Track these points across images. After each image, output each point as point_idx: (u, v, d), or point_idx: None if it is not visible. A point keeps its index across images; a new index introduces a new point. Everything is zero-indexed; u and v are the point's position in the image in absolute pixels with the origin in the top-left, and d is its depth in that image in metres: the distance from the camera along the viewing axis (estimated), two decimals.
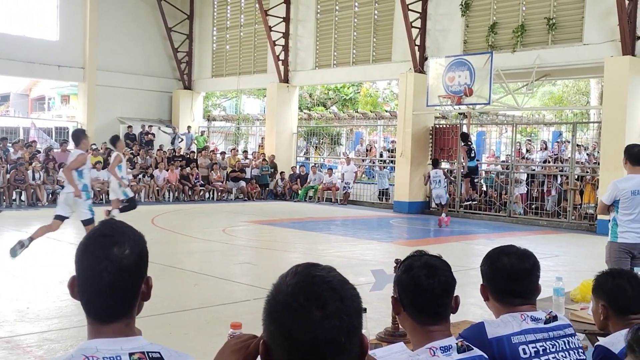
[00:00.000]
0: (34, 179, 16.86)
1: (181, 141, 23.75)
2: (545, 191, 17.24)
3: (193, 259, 10.06)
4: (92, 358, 1.40)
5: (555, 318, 2.28)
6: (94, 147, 20.16)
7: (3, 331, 5.36)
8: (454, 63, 16.65)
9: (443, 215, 15.10)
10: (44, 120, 33.43)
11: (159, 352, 1.49)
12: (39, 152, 18.67)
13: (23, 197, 16.76)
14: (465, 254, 10.62)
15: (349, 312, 1.21)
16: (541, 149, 19.29)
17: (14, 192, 16.62)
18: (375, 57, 20.12)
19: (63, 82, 30.39)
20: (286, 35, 22.17)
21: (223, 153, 23.18)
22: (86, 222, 8.62)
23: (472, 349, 1.92)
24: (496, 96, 18.26)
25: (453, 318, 3.39)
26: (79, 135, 8.85)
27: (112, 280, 1.46)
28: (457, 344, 1.89)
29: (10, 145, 18.78)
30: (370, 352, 2.51)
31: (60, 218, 8.67)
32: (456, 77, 16.49)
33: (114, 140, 11.35)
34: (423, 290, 1.91)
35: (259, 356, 1.31)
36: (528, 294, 2.33)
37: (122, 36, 23.63)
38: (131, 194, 11.63)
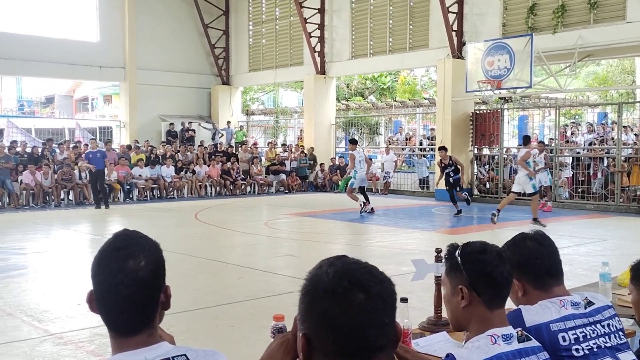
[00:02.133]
0: (80, 178, 17.27)
1: (221, 136, 24.00)
2: (591, 174, 16.83)
3: (236, 253, 10.17)
4: None
5: (591, 302, 2.23)
6: (136, 144, 20.56)
7: (56, 327, 5.53)
8: (492, 47, 16.36)
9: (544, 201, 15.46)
10: (88, 121, 34.21)
11: (184, 355, 1.47)
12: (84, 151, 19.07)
13: (71, 197, 17.19)
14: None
15: (389, 294, 1.28)
16: (588, 131, 18.82)
17: (62, 192, 17.06)
18: (412, 45, 19.93)
19: (105, 83, 31.04)
20: (321, 26, 22.14)
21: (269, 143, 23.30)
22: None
23: (531, 339, 1.90)
24: (537, 79, 17.88)
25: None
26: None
27: (129, 293, 1.44)
28: (517, 332, 1.88)
29: (56, 146, 19.27)
30: (413, 342, 2.51)
31: None
32: (495, 61, 16.21)
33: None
34: (496, 270, 1.91)
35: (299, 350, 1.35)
36: (560, 273, 2.30)
37: (160, 35, 23.97)
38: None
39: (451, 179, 14.55)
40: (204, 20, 24.88)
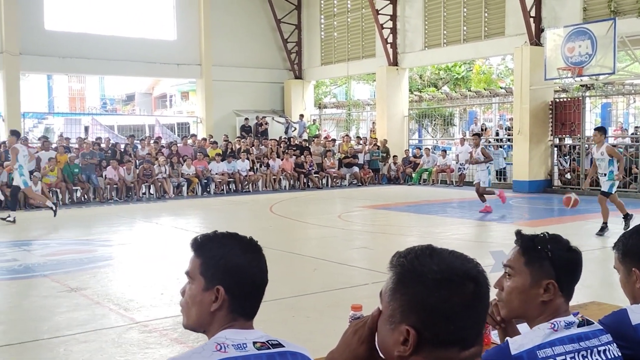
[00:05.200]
0: (160, 173, 17.88)
1: (294, 130, 24.24)
2: None
3: (311, 245, 10.27)
4: (222, 345, 1.57)
5: None
6: (212, 139, 21.06)
7: (141, 315, 5.76)
8: (573, 33, 15.75)
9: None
10: (167, 117, 35.34)
11: (277, 340, 1.64)
12: (163, 147, 19.75)
13: (152, 191, 17.82)
14: (590, 234, 10.08)
15: (488, 281, 1.33)
16: None
17: (143, 186, 17.71)
18: (487, 33, 19.45)
19: (182, 80, 31.91)
20: (393, 17, 21.94)
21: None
22: None
23: (592, 323, 1.88)
24: (621, 64, 17.08)
25: (580, 299, 3.24)
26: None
27: (263, 284, 1.70)
28: (578, 318, 1.87)
29: (138, 142, 20.00)
30: (492, 333, 2.46)
31: None
32: (576, 47, 15.60)
33: None
34: (579, 267, 1.94)
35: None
36: None
37: (234, 31, 24.42)
38: None
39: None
40: (276, 16, 25.16)
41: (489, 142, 21.80)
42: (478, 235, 10.52)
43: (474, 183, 13.83)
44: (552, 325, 1.82)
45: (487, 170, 13.42)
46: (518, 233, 1.99)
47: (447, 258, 1.30)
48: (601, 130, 10.67)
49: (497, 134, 22.00)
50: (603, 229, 9.96)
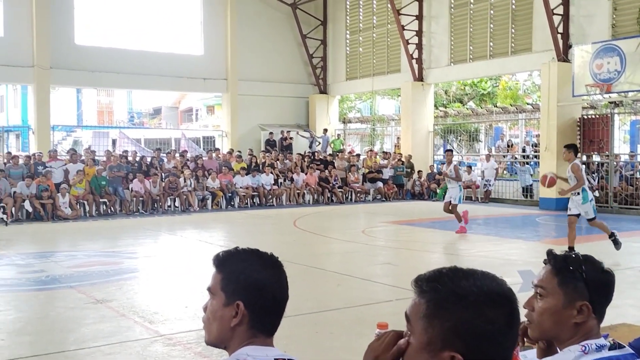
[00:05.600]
0: (185, 186, 18.02)
1: (318, 144, 24.30)
2: None
3: (334, 260, 10.24)
4: None
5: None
6: (237, 154, 21.20)
7: (165, 329, 5.78)
8: (601, 49, 15.60)
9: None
10: (192, 131, 35.67)
11: (293, 359, 1.65)
12: (189, 160, 19.93)
13: (177, 203, 17.96)
14: (621, 253, 9.89)
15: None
16: None
17: (168, 199, 17.86)
18: (514, 48, 19.35)
19: (208, 94, 32.23)
20: (419, 33, 21.96)
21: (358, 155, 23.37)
22: None
23: (624, 346, 1.84)
24: None
25: (609, 320, 3.18)
26: None
27: (283, 299, 1.69)
28: (609, 341, 1.83)
29: (164, 155, 20.21)
30: (521, 354, 2.42)
31: None
32: (605, 63, 15.45)
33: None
34: (613, 288, 1.91)
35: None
36: None
37: (260, 46, 24.65)
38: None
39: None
40: (302, 31, 25.35)
41: (515, 158, 21.61)
42: (504, 253, 10.39)
43: (444, 202, 13.16)
44: (583, 348, 1.78)
45: (458, 188, 12.83)
46: (550, 253, 1.95)
47: (481, 279, 1.28)
48: (570, 147, 10.03)
49: (524, 150, 21.80)
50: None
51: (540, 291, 1.92)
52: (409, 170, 21.91)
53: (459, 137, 26.23)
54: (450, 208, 12.82)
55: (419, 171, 21.81)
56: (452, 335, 1.23)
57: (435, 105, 24.74)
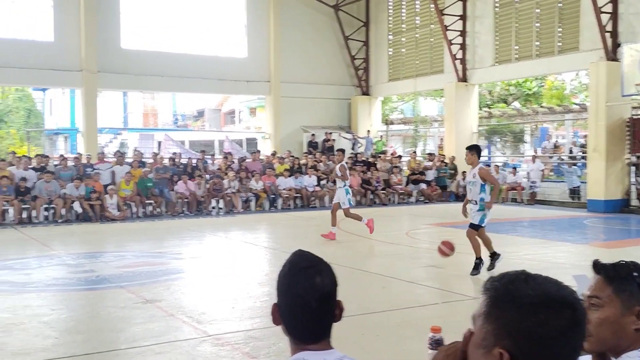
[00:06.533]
0: (229, 187, 18.22)
1: (360, 146, 24.26)
2: None
3: (378, 262, 10.21)
4: None
5: None
6: (279, 156, 21.32)
7: (213, 329, 5.86)
8: None
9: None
10: (235, 133, 36.05)
11: None
12: (233, 162, 20.13)
13: (221, 205, 18.16)
14: None
15: (585, 310, 1.33)
16: None
17: (213, 200, 18.08)
18: (561, 48, 18.95)
19: (251, 96, 32.51)
20: (463, 33, 21.72)
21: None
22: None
23: None
24: None
25: None
26: None
27: (317, 306, 1.62)
28: None
29: (209, 157, 20.45)
30: None
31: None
32: None
33: None
34: None
35: None
36: None
37: (303, 48, 24.75)
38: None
39: None
40: (344, 32, 25.35)
41: (562, 159, 21.16)
42: (551, 256, 10.19)
43: (333, 203, 12.77)
44: None
45: (345, 190, 12.31)
46: (597, 264, 1.93)
47: (543, 283, 1.29)
48: (473, 149, 8.76)
49: (571, 152, 21.33)
50: (477, 266, 8.56)
51: (595, 301, 1.89)
52: (452, 171, 21.69)
53: (504, 138, 25.84)
54: (345, 212, 12.30)
55: (463, 172, 21.55)
56: (503, 334, 1.25)
57: (479, 106, 24.44)
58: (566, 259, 9.83)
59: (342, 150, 13.16)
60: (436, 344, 2.02)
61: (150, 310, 6.56)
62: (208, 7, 23.77)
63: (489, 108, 28.61)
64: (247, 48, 24.12)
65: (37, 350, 5.21)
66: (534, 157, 20.27)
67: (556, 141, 23.15)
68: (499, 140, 25.89)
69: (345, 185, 12.27)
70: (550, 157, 21.74)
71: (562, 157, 21.26)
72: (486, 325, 1.28)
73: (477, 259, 8.62)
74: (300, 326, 1.65)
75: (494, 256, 8.70)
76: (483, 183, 8.60)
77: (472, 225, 8.80)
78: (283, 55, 24.22)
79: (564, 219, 16.06)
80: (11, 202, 15.40)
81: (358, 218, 12.29)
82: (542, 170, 19.91)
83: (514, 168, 21.03)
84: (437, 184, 21.20)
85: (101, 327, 6.02)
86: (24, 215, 15.45)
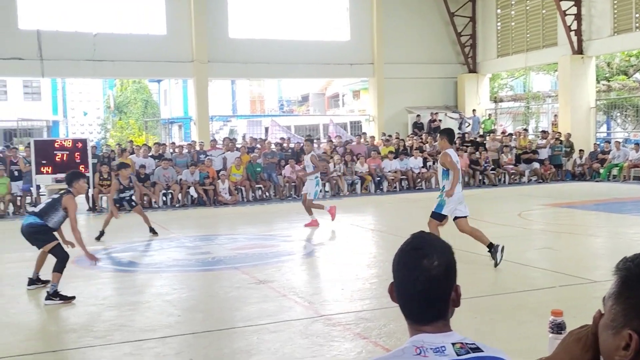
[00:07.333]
0: (335, 171, 18.35)
1: (468, 125, 23.64)
2: None
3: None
4: (421, 348, 1.57)
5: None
6: (383, 137, 21.18)
7: (325, 310, 5.95)
8: None
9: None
10: (339, 116, 36.23)
11: (474, 343, 1.61)
12: (337, 145, 20.26)
13: (327, 188, 18.34)
14: None
15: None
16: None
17: None
18: None
19: (354, 79, 32.51)
20: (578, 2, 20.53)
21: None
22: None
23: None
24: None
25: None
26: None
27: (422, 289, 1.61)
28: None
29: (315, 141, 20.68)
30: None
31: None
32: None
33: None
34: None
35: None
36: None
37: (406, 28, 24.37)
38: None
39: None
40: (449, 9, 24.69)
41: None
42: None
43: (302, 193, 12.07)
44: None
45: (316, 181, 11.79)
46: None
47: None
48: (444, 133, 8.30)
49: None
50: (493, 254, 7.63)
51: None
52: (568, 149, 20.66)
53: (624, 113, 24.27)
54: (305, 200, 11.75)
55: (580, 150, 20.48)
56: (633, 314, 1.23)
57: (596, 79, 23.07)
58: None
59: (311, 140, 13.04)
60: (558, 327, 1.96)
61: (264, 290, 6.76)
62: None
63: (608, 81, 26.89)
64: (350, 31, 24.09)
65: (162, 327, 5.51)
66: None
67: None
68: (619, 115, 24.31)
69: (317, 177, 11.99)
70: None
71: None
72: (616, 306, 1.27)
73: (488, 247, 7.73)
74: (410, 306, 1.64)
75: (491, 248, 7.71)
76: (445, 169, 7.98)
77: (432, 214, 8.10)
78: (386, 36, 23.97)
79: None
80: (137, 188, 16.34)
81: (320, 207, 11.90)
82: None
83: (637, 144, 19.69)
84: (551, 163, 20.28)
85: (219, 306, 6.28)
86: (144, 200, 16.37)
